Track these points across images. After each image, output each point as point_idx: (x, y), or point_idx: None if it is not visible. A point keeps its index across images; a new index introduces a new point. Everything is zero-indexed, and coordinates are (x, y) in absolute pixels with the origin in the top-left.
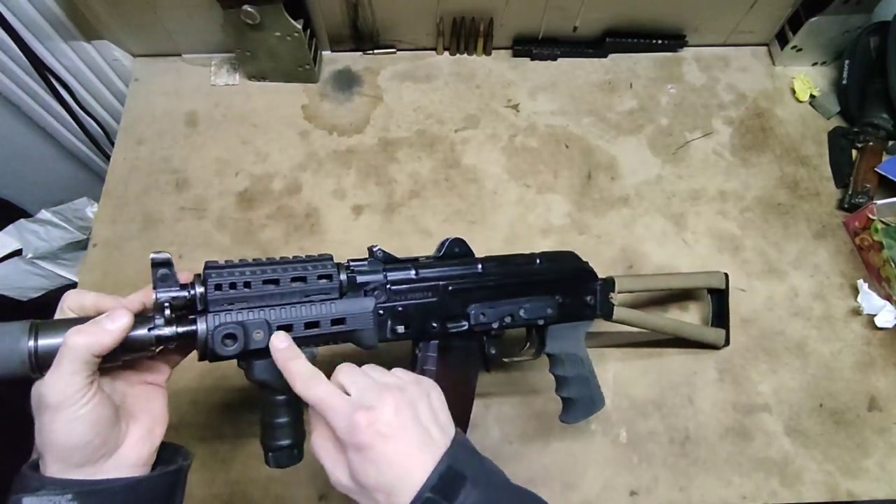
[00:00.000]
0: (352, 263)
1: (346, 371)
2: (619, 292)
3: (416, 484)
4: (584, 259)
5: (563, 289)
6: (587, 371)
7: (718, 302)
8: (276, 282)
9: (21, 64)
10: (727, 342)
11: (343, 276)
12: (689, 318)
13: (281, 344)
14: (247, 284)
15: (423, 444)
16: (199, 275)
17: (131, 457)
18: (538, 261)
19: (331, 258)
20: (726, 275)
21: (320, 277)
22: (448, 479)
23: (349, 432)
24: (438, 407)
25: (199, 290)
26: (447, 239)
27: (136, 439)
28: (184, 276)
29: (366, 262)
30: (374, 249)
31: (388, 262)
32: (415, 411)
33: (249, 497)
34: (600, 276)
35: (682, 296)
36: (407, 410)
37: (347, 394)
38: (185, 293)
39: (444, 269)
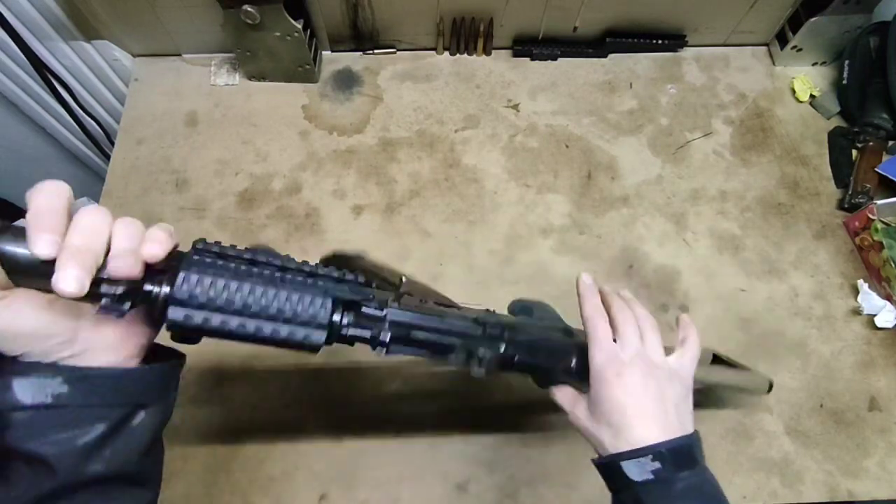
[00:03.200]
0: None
1: (627, 320)
2: None
3: (640, 439)
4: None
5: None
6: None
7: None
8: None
9: (21, 64)
10: (771, 388)
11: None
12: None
13: (588, 279)
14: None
15: (656, 416)
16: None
17: (119, 350)
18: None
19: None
20: (770, 382)
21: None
22: (681, 452)
23: (601, 368)
24: (686, 398)
25: (165, 289)
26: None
27: (118, 336)
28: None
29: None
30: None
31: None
32: (660, 389)
33: (249, 497)
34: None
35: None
36: (652, 385)
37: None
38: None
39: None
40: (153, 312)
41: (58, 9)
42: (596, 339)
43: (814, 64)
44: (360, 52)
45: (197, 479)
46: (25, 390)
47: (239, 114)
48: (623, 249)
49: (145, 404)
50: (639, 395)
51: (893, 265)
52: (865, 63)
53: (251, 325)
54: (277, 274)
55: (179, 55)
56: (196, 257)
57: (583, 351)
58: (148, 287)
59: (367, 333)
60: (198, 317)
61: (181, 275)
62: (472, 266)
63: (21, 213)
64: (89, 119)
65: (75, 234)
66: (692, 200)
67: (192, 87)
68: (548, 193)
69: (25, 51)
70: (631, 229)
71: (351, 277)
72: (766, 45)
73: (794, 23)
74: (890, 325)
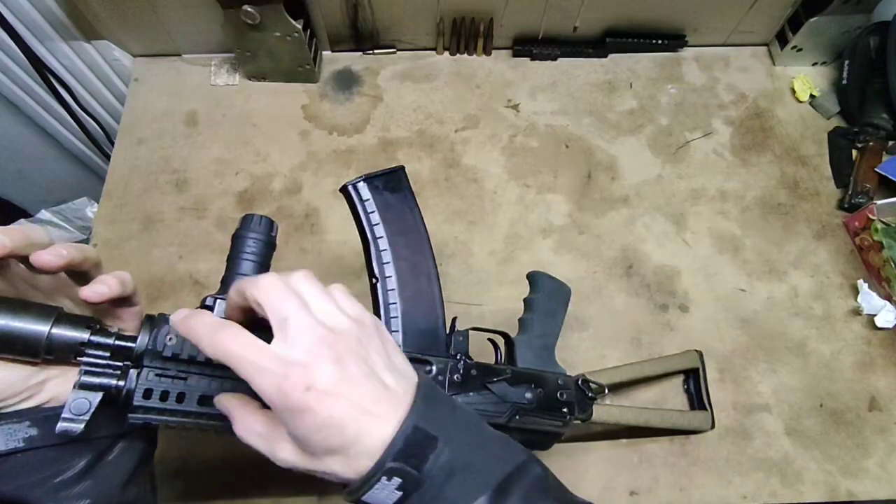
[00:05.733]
0: None
1: (269, 286)
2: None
3: (377, 443)
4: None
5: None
6: None
7: (696, 383)
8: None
9: (21, 64)
10: (713, 425)
11: None
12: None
13: (177, 317)
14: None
15: (378, 397)
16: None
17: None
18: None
19: None
20: (700, 353)
21: None
22: (415, 442)
23: (282, 397)
24: (391, 350)
25: (130, 379)
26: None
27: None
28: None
29: None
30: None
31: None
32: (361, 359)
33: (249, 497)
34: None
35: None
36: (351, 360)
37: (269, 328)
38: (113, 382)
39: None
40: (115, 406)
41: (58, 9)
42: (250, 366)
43: (814, 64)
44: (360, 52)
45: (197, 481)
46: None
47: (239, 114)
48: (623, 249)
49: (120, 435)
50: (346, 394)
51: (893, 265)
52: (865, 63)
53: (207, 426)
54: (233, 375)
55: (179, 55)
56: (154, 364)
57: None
58: (109, 382)
59: None
60: (157, 421)
61: (138, 389)
62: (472, 266)
63: (21, 213)
64: (89, 119)
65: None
66: (692, 200)
67: (192, 87)
68: (548, 193)
69: (25, 51)
70: (631, 229)
71: None
72: (766, 45)
73: (794, 23)
74: (890, 325)
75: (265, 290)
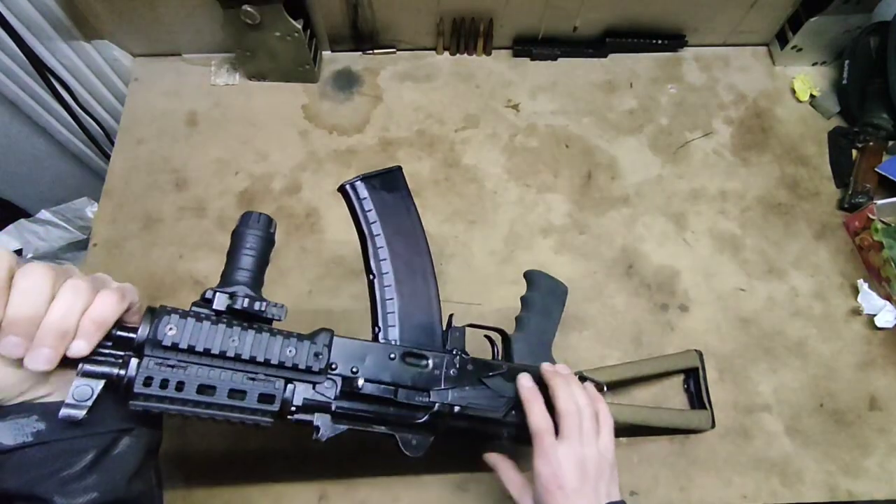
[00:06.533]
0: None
1: (568, 396)
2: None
3: None
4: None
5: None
6: None
7: (696, 382)
8: (212, 389)
9: (21, 64)
10: (713, 424)
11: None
12: None
13: (528, 383)
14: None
15: None
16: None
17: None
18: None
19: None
20: (699, 352)
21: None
22: None
23: (545, 481)
24: (613, 485)
25: (131, 367)
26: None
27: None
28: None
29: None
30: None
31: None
32: (594, 482)
33: (249, 497)
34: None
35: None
36: (588, 481)
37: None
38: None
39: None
40: (117, 393)
41: (58, 9)
42: (543, 452)
43: (814, 64)
44: (360, 52)
45: (199, 471)
46: (5, 433)
47: (239, 114)
48: (623, 249)
49: (127, 430)
50: (576, 502)
51: (893, 265)
52: (865, 63)
53: (206, 414)
54: (231, 365)
55: (179, 55)
56: (154, 353)
57: (521, 421)
58: (111, 370)
59: (309, 418)
60: (157, 408)
61: (139, 377)
62: (472, 266)
63: (21, 213)
64: (89, 119)
65: (15, 302)
66: (692, 200)
67: (192, 87)
68: (548, 193)
69: (25, 51)
70: (631, 229)
71: (303, 365)
72: (766, 45)
73: (794, 23)
74: (890, 325)
75: (565, 397)
